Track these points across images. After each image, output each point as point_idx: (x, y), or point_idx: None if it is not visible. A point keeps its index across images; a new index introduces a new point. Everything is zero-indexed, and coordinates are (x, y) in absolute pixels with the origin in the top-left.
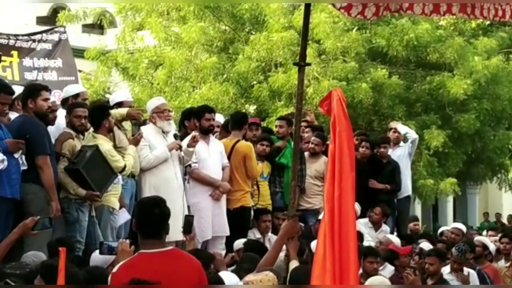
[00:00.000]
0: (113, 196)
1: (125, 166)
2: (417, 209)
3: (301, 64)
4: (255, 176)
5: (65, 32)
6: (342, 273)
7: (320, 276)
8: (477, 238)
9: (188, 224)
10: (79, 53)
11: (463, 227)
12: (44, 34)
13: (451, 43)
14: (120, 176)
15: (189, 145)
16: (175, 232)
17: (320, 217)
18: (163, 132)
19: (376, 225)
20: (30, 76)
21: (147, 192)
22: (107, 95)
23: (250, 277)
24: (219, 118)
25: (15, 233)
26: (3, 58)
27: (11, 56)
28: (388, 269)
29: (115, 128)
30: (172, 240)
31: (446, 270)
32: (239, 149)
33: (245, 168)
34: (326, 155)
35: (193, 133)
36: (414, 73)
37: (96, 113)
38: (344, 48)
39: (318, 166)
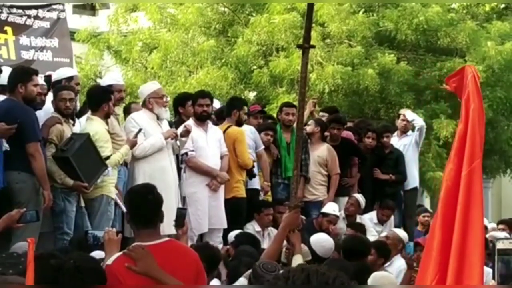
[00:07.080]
0: (112, 185)
1: (108, 157)
2: (425, 203)
3: (305, 47)
4: (246, 162)
5: (63, 11)
6: (464, 269)
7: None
8: (491, 233)
9: (181, 217)
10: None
11: None
12: (40, 10)
13: (463, 27)
14: (110, 168)
15: (181, 135)
16: (170, 225)
17: (323, 210)
18: (158, 119)
19: (381, 222)
20: (27, 55)
21: (142, 182)
22: (98, 80)
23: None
24: (215, 104)
25: None
26: None
27: (5, 32)
28: (394, 266)
29: None
30: (166, 234)
31: None
32: (229, 134)
33: (236, 155)
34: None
35: (186, 122)
36: (423, 59)
37: (97, 96)
38: (350, 32)
39: (321, 152)
